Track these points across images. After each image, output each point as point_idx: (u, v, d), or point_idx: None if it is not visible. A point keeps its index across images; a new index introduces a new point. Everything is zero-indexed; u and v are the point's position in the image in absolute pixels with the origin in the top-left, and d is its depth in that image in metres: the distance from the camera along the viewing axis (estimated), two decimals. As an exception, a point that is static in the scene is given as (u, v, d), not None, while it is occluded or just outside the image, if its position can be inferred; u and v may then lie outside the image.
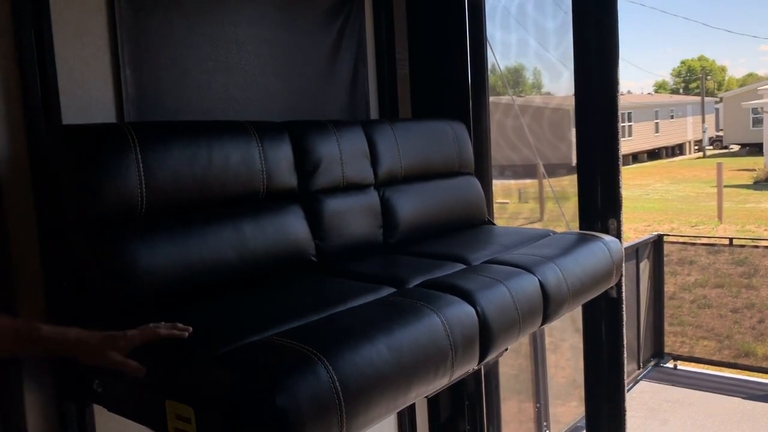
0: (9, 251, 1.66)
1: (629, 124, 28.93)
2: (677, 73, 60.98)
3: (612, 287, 2.51)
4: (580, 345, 2.78)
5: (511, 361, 4.29)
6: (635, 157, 29.63)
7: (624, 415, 2.70)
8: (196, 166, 1.75)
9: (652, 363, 5.81)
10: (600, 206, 2.60)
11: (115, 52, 1.91)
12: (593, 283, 2.26)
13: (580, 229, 2.63)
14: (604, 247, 2.37)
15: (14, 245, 1.67)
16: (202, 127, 1.84)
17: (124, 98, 1.92)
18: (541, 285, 1.97)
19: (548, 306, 1.98)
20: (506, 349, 1.89)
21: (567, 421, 4.68)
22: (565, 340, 5.37)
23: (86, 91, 1.84)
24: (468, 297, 1.74)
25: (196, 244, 1.72)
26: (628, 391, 5.29)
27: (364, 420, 1.35)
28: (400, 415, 2.87)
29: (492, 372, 3.05)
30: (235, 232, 1.82)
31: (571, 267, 2.14)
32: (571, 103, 2.68)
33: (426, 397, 1.63)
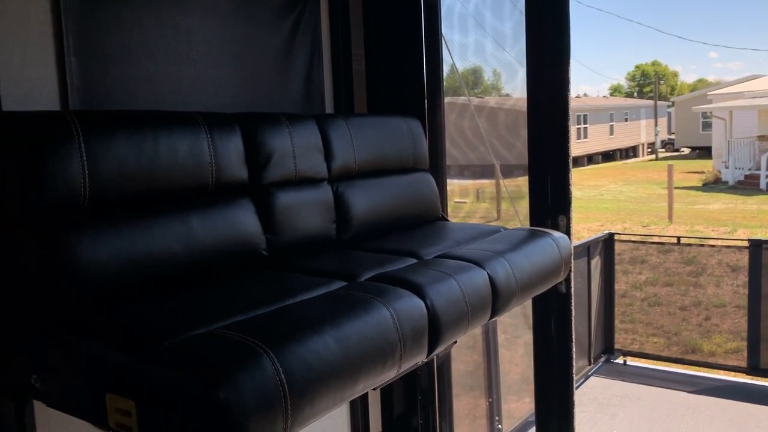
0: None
1: (585, 126, 29.54)
2: (632, 77, 62.51)
3: (561, 282, 2.55)
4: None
5: (466, 357, 4.34)
6: (590, 159, 30.28)
7: (573, 408, 2.75)
8: (142, 157, 1.71)
9: (602, 359, 5.95)
10: (550, 203, 2.64)
11: (59, 40, 1.86)
12: (542, 277, 2.30)
13: (531, 225, 2.67)
14: (553, 243, 2.41)
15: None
16: (149, 118, 1.81)
17: (69, 87, 1.87)
18: (491, 279, 1.99)
19: (497, 300, 2.01)
20: (455, 342, 1.91)
21: (520, 416, 4.75)
22: (519, 337, 5.44)
23: (28, 79, 1.79)
24: (418, 290, 1.74)
25: (142, 238, 1.68)
26: (579, 386, 5.42)
27: (310, 412, 1.35)
28: (353, 410, 2.87)
29: (445, 367, 3.07)
30: (182, 226, 1.79)
31: (520, 262, 2.18)
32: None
33: (374, 389, 1.64)
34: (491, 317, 2.01)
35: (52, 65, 1.85)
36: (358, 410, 2.88)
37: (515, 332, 5.35)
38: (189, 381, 1.23)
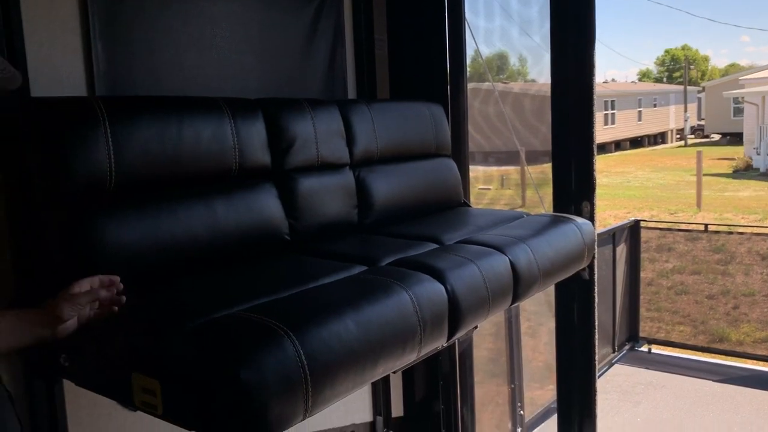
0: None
1: (612, 111, 29.09)
2: (661, 62, 61.32)
3: (584, 269, 2.54)
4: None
5: (489, 344, 4.34)
6: (618, 145, 29.83)
7: (595, 395, 2.74)
8: (166, 141, 1.73)
9: (626, 347, 5.90)
10: (574, 189, 2.62)
11: (86, 27, 1.89)
12: (565, 264, 2.29)
13: (555, 212, 2.65)
14: (576, 229, 2.39)
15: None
16: (173, 103, 1.83)
17: (95, 73, 1.90)
18: (512, 264, 1.99)
19: (518, 285, 2.00)
20: (476, 327, 1.91)
21: (543, 404, 4.75)
22: (542, 325, 5.42)
23: (56, 66, 1.82)
24: (438, 275, 1.75)
25: (167, 221, 1.71)
26: (603, 374, 5.38)
27: (330, 394, 1.36)
28: (375, 393, 2.89)
29: (467, 353, 3.08)
30: (206, 210, 1.81)
31: (543, 248, 2.17)
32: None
33: (395, 372, 1.65)
34: (512, 303, 2.01)
35: (78, 52, 1.87)
36: (380, 394, 2.90)
37: (538, 320, 5.33)
38: (211, 361, 1.26)
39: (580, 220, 2.46)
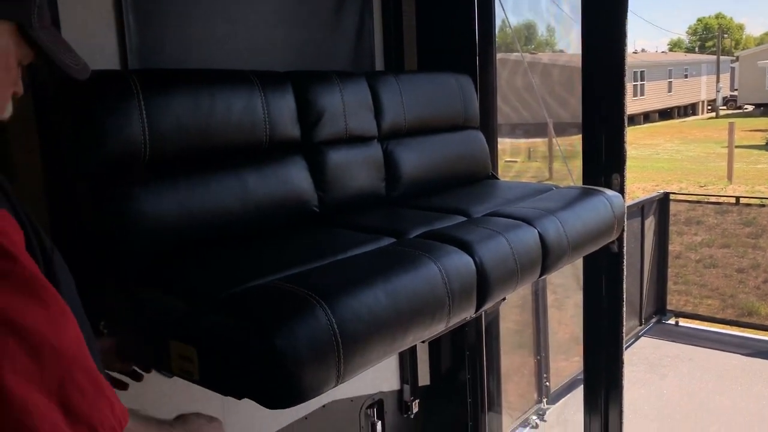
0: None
1: (642, 83, 28.49)
2: (693, 32, 59.63)
3: (613, 242, 2.53)
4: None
5: (515, 317, 4.36)
6: (647, 117, 29.27)
7: (621, 367, 2.75)
8: (198, 114, 1.76)
9: (654, 320, 5.87)
10: (604, 161, 2.59)
11: (118, 1, 1.90)
12: (594, 236, 2.28)
13: (584, 184, 2.63)
14: (606, 201, 2.38)
15: (22, 198, 1.70)
16: (205, 76, 1.85)
17: (127, 47, 1.92)
18: (541, 237, 1.99)
19: (547, 258, 2.01)
20: (504, 299, 1.92)
21: (568, 375, 4.77)
22: (569, 298, 5.42)
23: (89, 38, 1.84)
24: (467, 247, 1.76)
25: (200, 193, 1.75)
26: (629, 346, 5.38)
27: (361, 362, 1.40)
28: (402, 362, 2.94)
29: (493, 325, 3.10)
30: (238, 182, 1.84)
31: (572, 220, 2.16)
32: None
33: (423, 341, 1.68)
34: (541, 275, 2.02)
35: (112, 26, 1.89)
36: (407, 363, 2.94)
37: (565, 293, 5.32)
38: (247, 329, 1.29)
39: (610, 192, 2.45)
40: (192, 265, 1.60)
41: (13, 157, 1.69)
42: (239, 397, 1.32)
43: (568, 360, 5.05)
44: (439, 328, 1.62)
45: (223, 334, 1.33)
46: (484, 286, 1.75)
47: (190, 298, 1.42)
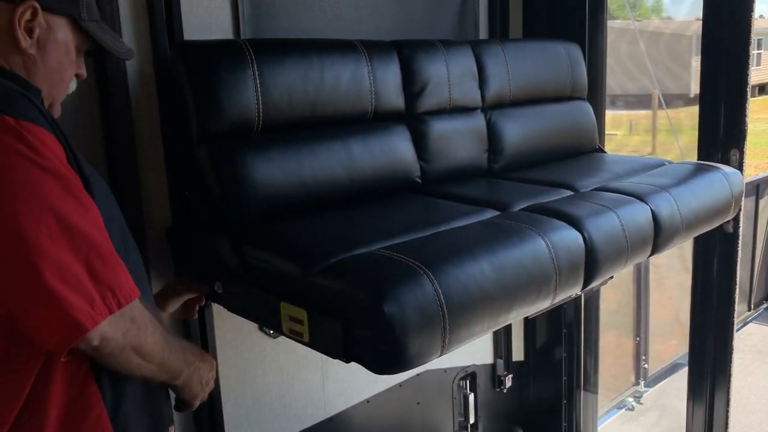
0: (137, 162, 1.79)
1: (758, 51, 26.37)
2: (822, -6, 54.47)
3: (729, 221, 2.38)
4: (687, 283, 2.69)
5: (611, 296, 4.21)
6: (762, 89, 27.14)
7: (731, 354, 2.61)
8: (308, 84, 1.78)
9: (764, 305, 5.53)
10: (722, 136, 2.43)
11: (232, -29, 1.95)
12: (709, 215, 2.15)
13: (699, 159, 2.48)
14: (724, 178, 2.23)
15: (142, 157, 1.80)
16: (315, 46, 1.87)
17: (240, 17, 1.97)
18: (653, 214, 1.90)
19: (659, 236, 1.92)
20: (611, 277, 1.86)
21: (666, 358, 4.59)
22: (669, 278, 5.18)
23: (206, 9, 1.90)
24: (575, 223, 1.71)
25: (308, 161, 1.78)
26: (737, 331, 5.08)
27: (466, 333, 1.39)
28: (496, 337, 2.92)
29: (592, 303, 3.01)
30: (344, 151, 1.87)
31: (687, 197, 2.05)
32: (692, 28, 2.48)
33: (526, 318, 1.65)
34: (651, 254, 1.93)
35: (226, -3, 1.95)
36: (501, 337, 2.92)
37: (667, 273, 5.09)
38: (357, 294, 1.32)
39: (727, 169, 2.30)
40: (301, 230, 1.64)
41: (138, 131, 1.79)
42: (347, 360, 1.35)
43: (665, 342, 4.85)
44: (543, 305, 1.59)
45: (334, 298, 1.36)
46: (592, 263, 1.69)
47: (301, 262, 1.45)
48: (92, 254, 1.00)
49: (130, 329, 1.05)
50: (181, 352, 1.24)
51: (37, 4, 1.11)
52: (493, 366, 2.95)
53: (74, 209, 1.00)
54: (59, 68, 1.18)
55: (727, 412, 2.61)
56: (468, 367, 2.81)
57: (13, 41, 1.10)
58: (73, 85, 1.27)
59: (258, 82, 1.68)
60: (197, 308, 1.74)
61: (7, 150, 0.96)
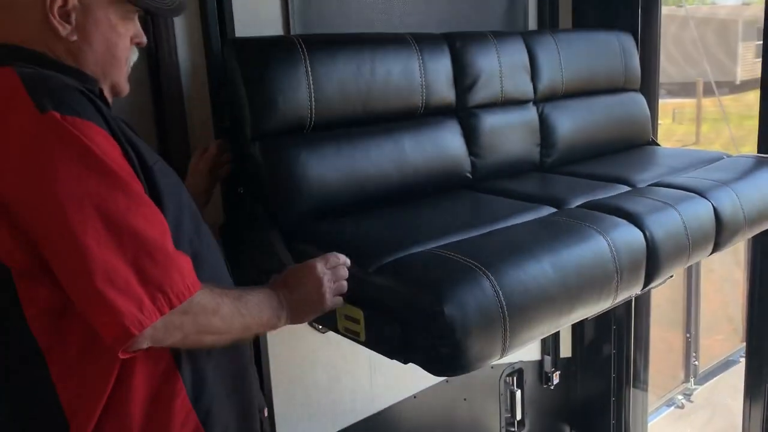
0: (190, 156, 1.79)
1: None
2: None
3: (791, 217, 2.28)
4: (734, 276, 2.60)
5: (659, 291, 4.11)
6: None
7: (790, 353, 2.52)
8: (360, 79, 1.76)
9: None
10: (784, 127, 2.34)
11: (281, -35, 1.94)
12: (773, 211, 2.07)
13: (759, 152, 2.39)
14: (788, 172, 2.14)
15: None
16: (366, 40, 1.84)
17: (290, 12, 1.95)
18: (715, 211, 1.84)
19: (721, 233, 1.85)
20: (671, 276, 1.80)
21: (713, 354, 4.48)
22: (714, 271, 5.04)
23: (256, 4, 1.89)
24: (635, 220, 1.66)
25: (360, 158, 1.76)
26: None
27: (527, 336, 1.36)
28: (544, 334, 2.87)
29: (644, 298, 2.94)
30: (395, 147, 1.84)
31: (749, 193, 1.97)
32: (739, 13, 2.38)
33: (587, 318, 1.61)
34: (712, 252, 1.87)
35: (276, -9, 1.94)
36: (549, 335, 2.87)
37: (710, 266, 4.95)
38: (415, 295, 1.30)
39: (792, 162, 2.20)
40: (355, 228, 1.62)
41: (191, 124, 1.79)
42: (405, 361, 1.34)
43: (711, 338, 4.73)
44: (605, 305, 1.55)
45: (391, 298, 1.34)
46: (653, 262, 1.64)
47: (357, 261, 1.43)
48: (142, 254, 0.97)
49: (185, 322, 1.02)
50: (259, 304, 1.18)
51: None
52: (541, 362, 2.91)
53: (124, 207, 0.97)
54: (108, 47, 1.12)
55: (786, 413, 2.53)
56: (515, 363, 2.78)
57: (53, 31, 1.05)
58: (134, 56, 1.21)
59: (311, 78, 1.66)
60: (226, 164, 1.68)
61: (53, 148, 0.94)
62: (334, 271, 1.31)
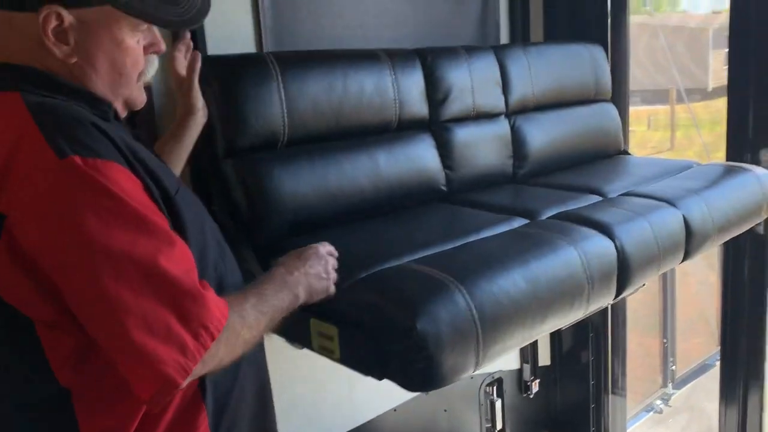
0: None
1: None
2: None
3: (759, 223, 2.34)
4: (710, 280, 2.64)
5: (634, 296, 4.16)
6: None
7: (764, 356, 2.56)
8: (333, 95, 1.78)
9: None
10: (751, 135, 2.39)
11: (253, -17, 1.94)
12: (741, 218, 2.11)
13: (727, 159, 2.44)
14: (755, 180, 2.19)
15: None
16: (338, 56, 1.86)
17: (262, 27, 1.96)
18: (685, 219, 1.87)
19: (691, 241, 1.89)
20: (643, 285, 1.83)
21: (691, 358, 4.53)
22: (691, 275, 5.11)
23: (228, 21, 1.89)
24: (606, 230, 1.69)
25: (335, 173, 1.77)
26: None
27: (501, 348, 1.38)
28: (522, 343, 2.89)
29: (619, 306, 2.98)
30: (370, 161, 1.85)
31: (718, 201, 2.02)
32: (710, 22, 2.43)
33: (560, 329, 1.63)
34: (683, 260, 1.90)
35: (247, 6, 1.94)
36: (528, 343, 2.89)
37: (685, 270, 5.02)
38: (389, 311, 1.30)
39: (759, 170, 2.25)
40: (329, 243, 1.62)
41: (159, 134, 1.78)
42: (380, 378, 1.34)
43: (688, 342, 4.79)
44: (577, 315, 1.57)
45: (365, 314, 1.35)
46: (624, 271, 1.67)
47: (330, 278, 1.44)
48: (179, 295, 0.93)
49: (220, 348, 0.98)
50: (276, 290, 1.17)
51: (59, 8, 0.94)
52: (520, 371, 2.93)
53: (155, 250, 0.92)
54: (113, 66, 1.02)
55: (761, 417, 2.57)
56: (494, 373, 2.79)
57: (51, 53, 0.97)
58: (152, 66, 1.12)
59: (283, 95, 1.67)
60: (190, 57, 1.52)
61: (76, 197, 0.89)
62: (331, 258, 1.36)
